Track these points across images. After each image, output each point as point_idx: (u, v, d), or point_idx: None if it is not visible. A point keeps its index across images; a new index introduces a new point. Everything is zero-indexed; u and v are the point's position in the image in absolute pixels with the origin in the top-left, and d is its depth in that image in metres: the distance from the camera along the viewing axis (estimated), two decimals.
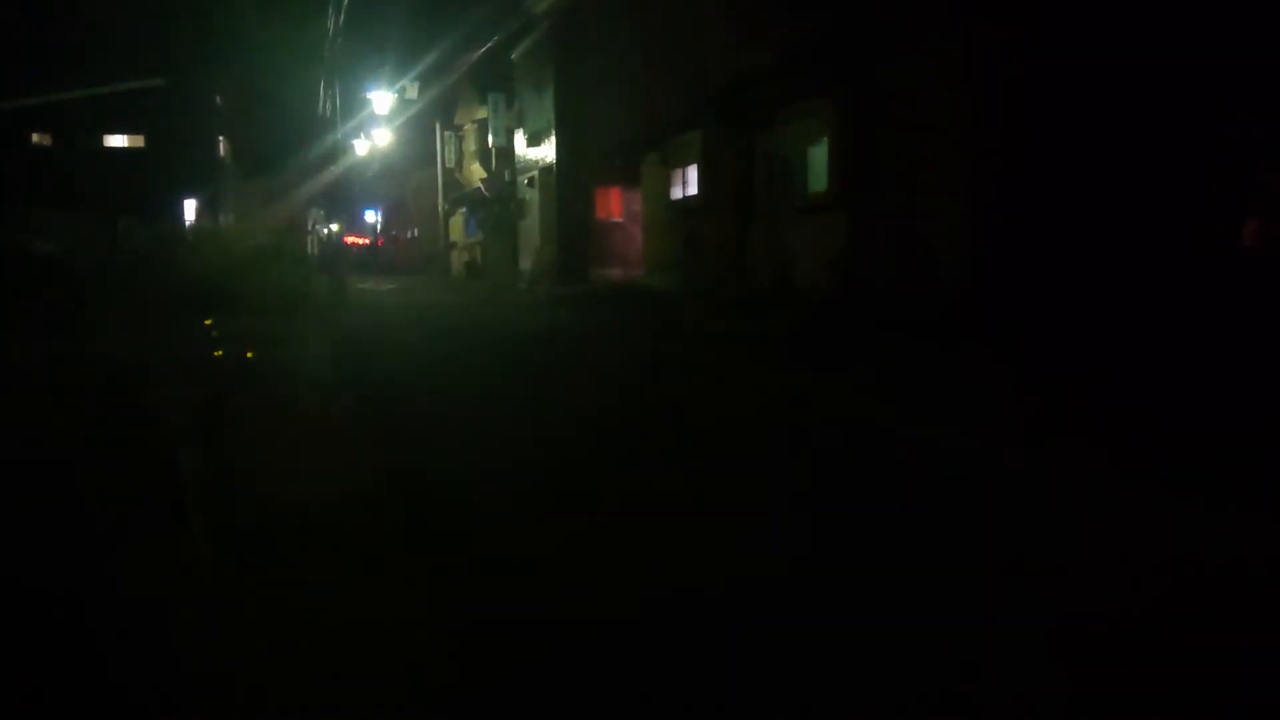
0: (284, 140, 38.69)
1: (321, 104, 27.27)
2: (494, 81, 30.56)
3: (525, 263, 28.57)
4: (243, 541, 3.68)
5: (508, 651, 2.78)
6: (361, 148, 34.38)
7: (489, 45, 28.56)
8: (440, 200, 40.40)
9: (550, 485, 4.75)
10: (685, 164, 18.24)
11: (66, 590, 3.14)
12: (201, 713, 2.44)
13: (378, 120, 33.09)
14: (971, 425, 5.89)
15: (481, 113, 32.64)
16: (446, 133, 39.06)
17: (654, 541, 3.79)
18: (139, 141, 35.76)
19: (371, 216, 57.03)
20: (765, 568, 3.46)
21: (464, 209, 37.43)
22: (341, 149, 26.55)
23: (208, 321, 8.92)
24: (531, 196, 28.14)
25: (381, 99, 31.55)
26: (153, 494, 4.09)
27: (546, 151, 26.03)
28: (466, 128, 36.34)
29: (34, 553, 3.52)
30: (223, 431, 5.52)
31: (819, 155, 13.75)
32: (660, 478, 4.87)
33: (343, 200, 27.82)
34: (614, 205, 24.65)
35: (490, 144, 31.84)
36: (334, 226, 27.61)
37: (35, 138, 34.31)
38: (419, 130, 41.44)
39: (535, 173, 27.38)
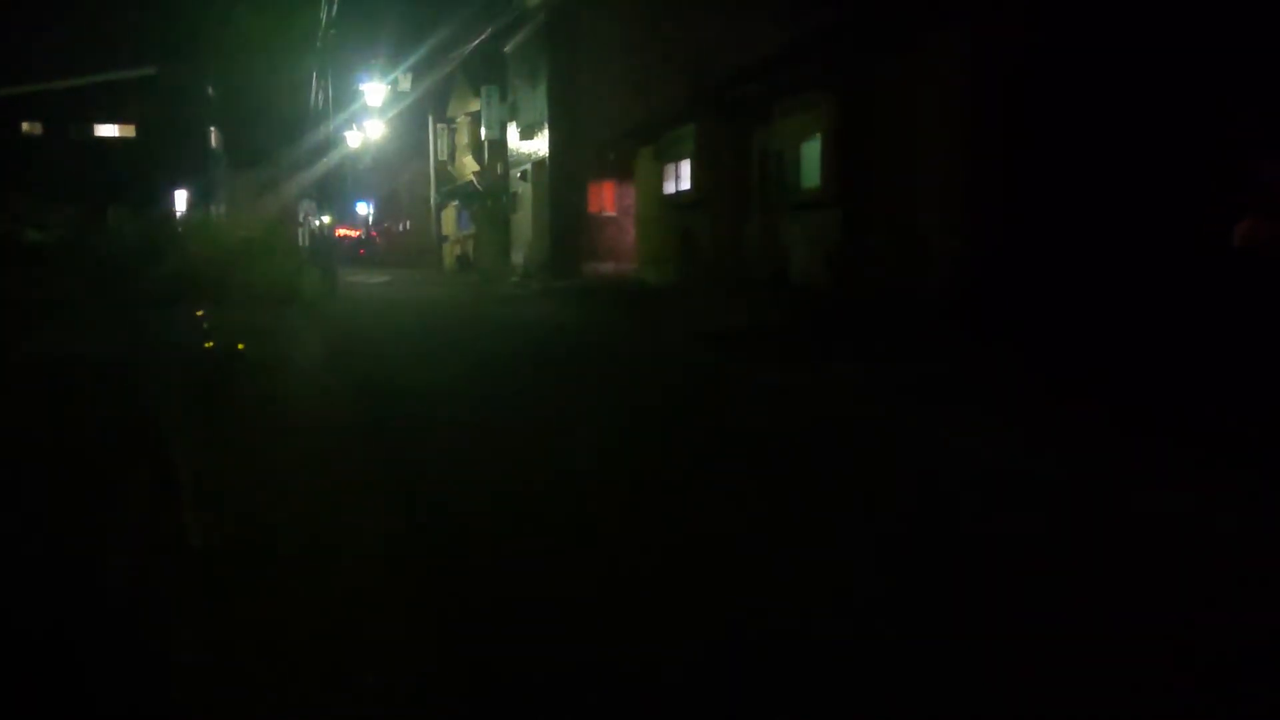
0: (276, 132, 38.55)
1: (314, 96, 27.16)
2: (487, 74, 30.42)
3: (517, 256, 28.49)
4: (234, 533, 3.65)
5: (500, 644, 2.75)
6: (354, 140, 34.21)
7: (482, 37, 28.44)
8: (433, 193, 40.27)
9: (543, 483, 4.72)
10: (679, 158, 18.20)
11: (57, 585, 3.10)
12: (193, 712, 2.41)
13: (370, 112, 32.93)
14: (969, 425, 5.88)
15: (474, 105, 32.52)
16: (439, 125, 38.90)
17: (646, 538, 3.77)
18: (130, 131, 35.56)
19: (363, 209, 56.84)
20: (764, 571, 3.45)
21: (456, 202, 37.32)
22: (334, 141, 26.43)
23: (199, 313, 8.86)
24: (524, 190, 28.05)
25: (374, 91, 31.39)
26: (144, 486, 4.05)
27: (540, 145, 25.95)
28: (459, 120, 36.20)
29: (22, 546, 3.48)
30: (213, 422, 5.48)
31: (814, 150, 13.72)
32: (652, 477, 4.85)
33: (335, 192, 27.67)
34: (607, 199, 24.58)
35: (483, 137, 31.71)
36: (325, 219, 27.42)
37: (26, 127, 34.09)
38: (412, 123, 41.27)
39: (528, 166, 27.30)
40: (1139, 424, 5.59)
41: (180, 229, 24.76)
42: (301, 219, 44.56)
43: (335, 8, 22.86)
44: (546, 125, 25.17)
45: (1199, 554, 3.46)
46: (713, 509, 4.17)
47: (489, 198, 32.07)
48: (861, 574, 3.30)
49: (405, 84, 37.64)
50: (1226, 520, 3.81)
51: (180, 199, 35.07)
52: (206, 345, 7.48)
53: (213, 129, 38.94)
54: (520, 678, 2.55)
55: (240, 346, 7.97)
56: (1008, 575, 3.27)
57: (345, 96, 29.17)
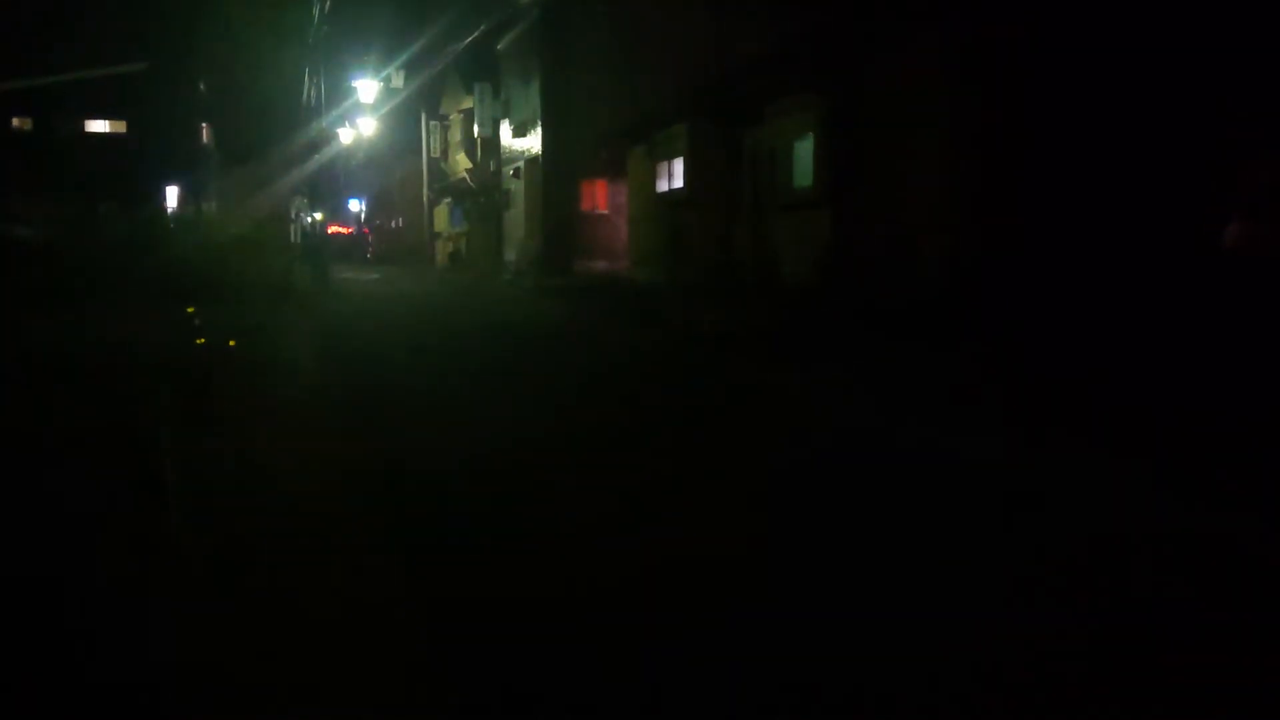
0: (268, 128, 38.45)
1: (306, 92, 27.08)
2: (480, 72, 30.41)
3: (510, 254, 28.49)
4: (224, 530, 3.67)
5: (484, 642, 2.78)
6: (346, 136, 34.14)
7: (475, 35, 28.42)
8: (425, 190, 40.22)
9: (529, 483, 4.75)
10: (671, 157, 18.22)
11: (46, 580, 3.12)
12: (185, 708, 2.43)
13: (363, 109, 32.89)
14: (957, 427, 5.91)
15: (467, 103, 32.49)
16: (432, 123, 38.85)
17: (643, 536, 3.80)
18: (121, 127, 35.43)
19: (356, 206, 56.72)
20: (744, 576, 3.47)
21: (449, 199, 37.29)
22: (326, 138, 26.37)
23: (190, 309, 8.87)
24: (517, 187, 28.05)
25: (367, 88, 31.33)
26: (134, 482, 4.06)
27: (532, 142, 25.95)
28: (452, 118, 36.16)
29: (13, 540, 3.49)
30: (204, 419, 5.49)
31: (805, 150, 13.75)
32: (638, 476, 4.88)
33: (327, 189, 27.60)
34: (599, 197, 24.61)
35: (476, 134, 31.69)
36: (318, 215, 27.35)
37: (16, 122, 33.95)
38: (404, 120, 41.21)
39: (521, 164, 27.30)
40: (1124, 425, 5.63)
41: (171, 225, 24.70)
42: (293, 216, 44.46)
43: (328, 4, 22.80)
44: (539, 123, 25.19)
45: (1179, 558, 3.51)
46: (701, 513, 4.20)
47: (482, 195, 32.06)
48: (840, 568, 3.34)
49: (398, 81, 37.57)
50: (1201, 521, 3.86)
51: (171, 195, 34.99)
52: (198, 342, 7.49)
53: (204, 125, 38.83)
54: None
55: (231, 344, 7.97)
56: (985, 575, 3.31)
57: (338, 93, 29.16)
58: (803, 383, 7.70)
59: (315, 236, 25.91)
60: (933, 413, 6.20)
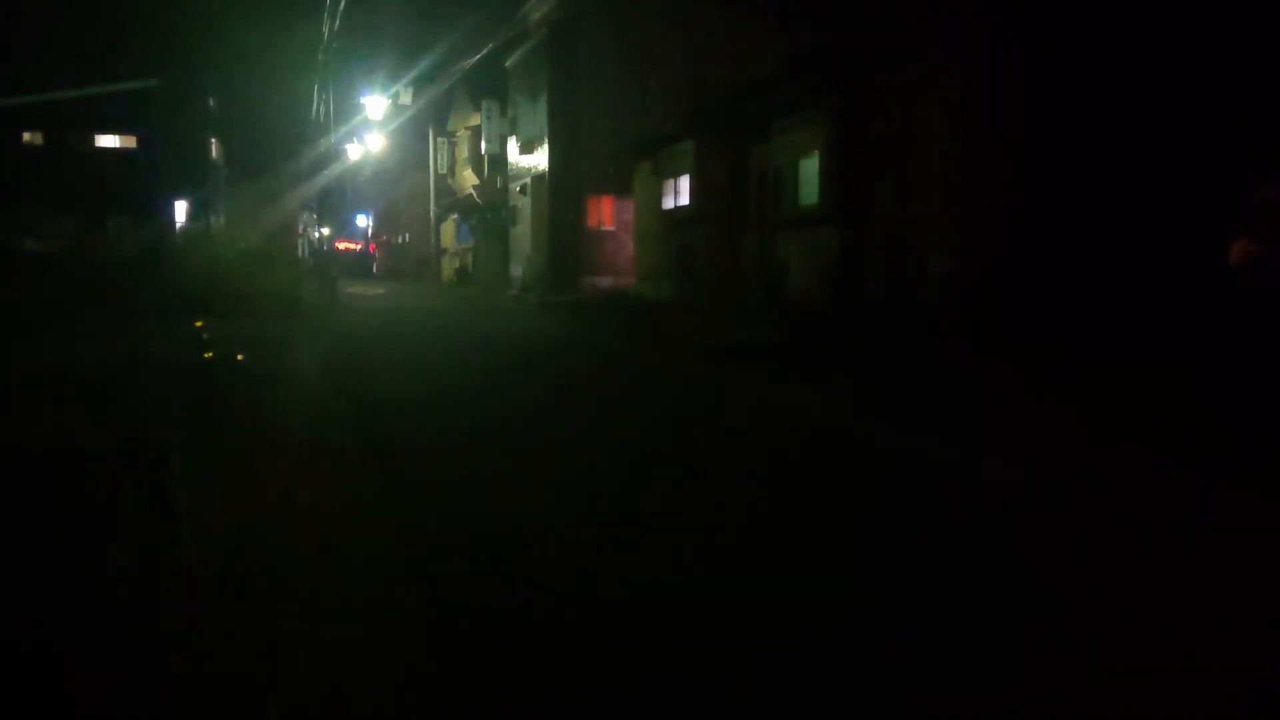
0: (276, 144, 38.74)
1: (315, 108, 27.24)
2: (488, 89, 30.55)
3: (516, 270, 28.54)
4: (231, 544, 3.68)
5: (486, 646, 2.78)
6: (354, 152, 34.29)
7: (484, 52, 28.57)
8: (432, 206, 40.36)
9: (539, 500, 4.76)
10: (678, 174, 18.27)
11: (52, 597, 3.13)
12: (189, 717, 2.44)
13: (371, 125, 33.04)
14: (964, 443, 5.91)
15: (475, 119, 32.64)
16: (440, 139, 39.02)
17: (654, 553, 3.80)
18: (131, 142, 35.60)
19: (363, 221, 56.88)
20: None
21: (456, 215, 37.40)
22: (334, 153, 26.49)
23: (198, 323, 8.91)
24: (524, 204, 28.13)
25: (375, 104, 31.49)
26: (142, 495, 4.08)
27: (539, 159, 26.04)
28: (460, 134, 36.32)
29: (17, 557, 3.50)
30: (212, 432, 5.51)
31: (811, 167, 13.79)
32: (640, 493, 4.88)
33: (335, 205, 27.68)
34: (606, 214, 24.66)
35: (483, 150, 31.82)
36: (325, 231, 27.45)
37: (26, 137, 34.14)
38: (412, 136, 41.40)
39: (528, 180, 27.38)
40: (1120, 440, 5.63)
41: (180, 240, 24.81)
42: (301, 231, 44.63)
43: (338, 22, 22.95)
44: (546, 139, 25.28)
45: (1184, 569, 3.50)
46: (710, 529, 4.20)
47: (488, 211, 32.15)
48: (852, 572, 3.34)
49: (406, 98, 37.77)
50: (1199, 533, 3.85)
51: (180, 210, 35.15)
52: (205, 356, 7.52)
53: (213, 140, 39.05)
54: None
55: (239, 357, 8.00)
56: (984, 582, 3.31)
57: (346, 109, 29.30)
58: (812, 401, 7.69)
59: (323, 252, 25.99)
60: (936, 432, 6.19)
